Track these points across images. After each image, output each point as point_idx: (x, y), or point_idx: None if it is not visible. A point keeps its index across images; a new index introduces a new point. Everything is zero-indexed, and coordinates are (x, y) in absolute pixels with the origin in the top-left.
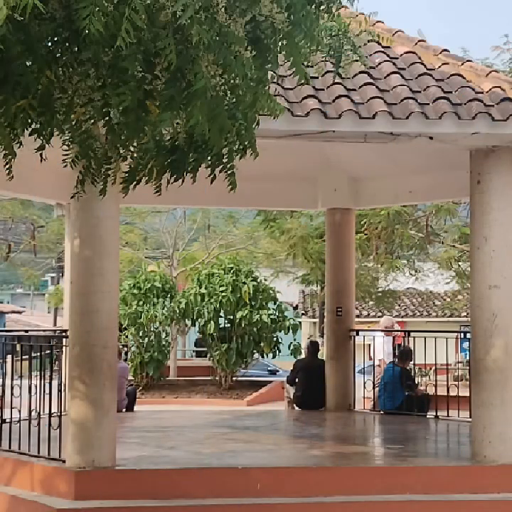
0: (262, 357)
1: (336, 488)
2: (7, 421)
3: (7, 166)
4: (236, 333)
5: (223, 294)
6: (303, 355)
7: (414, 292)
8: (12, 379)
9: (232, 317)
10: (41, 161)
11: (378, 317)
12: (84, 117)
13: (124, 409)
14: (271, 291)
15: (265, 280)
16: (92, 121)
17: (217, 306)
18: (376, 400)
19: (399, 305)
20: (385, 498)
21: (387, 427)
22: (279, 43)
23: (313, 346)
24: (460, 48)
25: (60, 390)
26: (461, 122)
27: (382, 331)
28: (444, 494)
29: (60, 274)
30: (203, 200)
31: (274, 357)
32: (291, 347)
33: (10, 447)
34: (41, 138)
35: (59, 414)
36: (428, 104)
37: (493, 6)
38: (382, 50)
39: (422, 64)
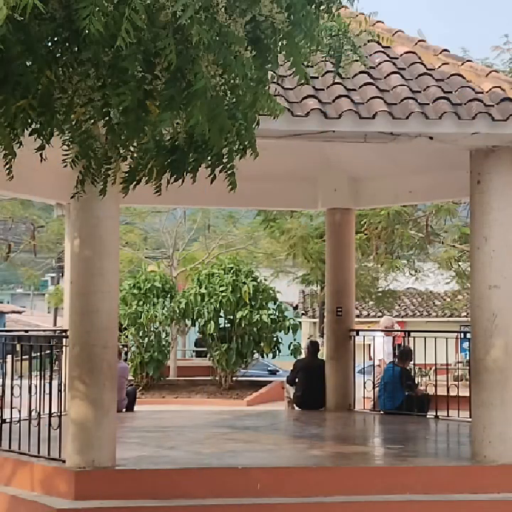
0: (262, 357)
1: (336, 488)
2: (7, 421)
3: (7, 166)
4: (236, 333)
5: (223, 294)
6: (303, 355)
7: (414, 292)
8: (12, 379)
9: (232, 317)
10: (41, 161)
11: (378, 317)
12: (84, 117)
13: (124, 409)
14: (271, 291)
15: (265, 280)
16: (92, 121)
17: (217, 306)
18: (376, 400)
19: (399, 305)
20: (385, 498)
21: (387, 427)
22: (279, 43)
23: (313, 346)
24: (460, 48)
25: (60, 390)
26: (461, 122)
27: (382, 331)
28: (444, 494)
29: (60, 274)
30: (203, 200)
31: (274, 357)
32: (291, 347)
33: (10, 447)
34: (41, 138)
35: (59, 414)
36: (428, 104)
37: (493, 6)
38: (382, 50)
39: (422, 64)
